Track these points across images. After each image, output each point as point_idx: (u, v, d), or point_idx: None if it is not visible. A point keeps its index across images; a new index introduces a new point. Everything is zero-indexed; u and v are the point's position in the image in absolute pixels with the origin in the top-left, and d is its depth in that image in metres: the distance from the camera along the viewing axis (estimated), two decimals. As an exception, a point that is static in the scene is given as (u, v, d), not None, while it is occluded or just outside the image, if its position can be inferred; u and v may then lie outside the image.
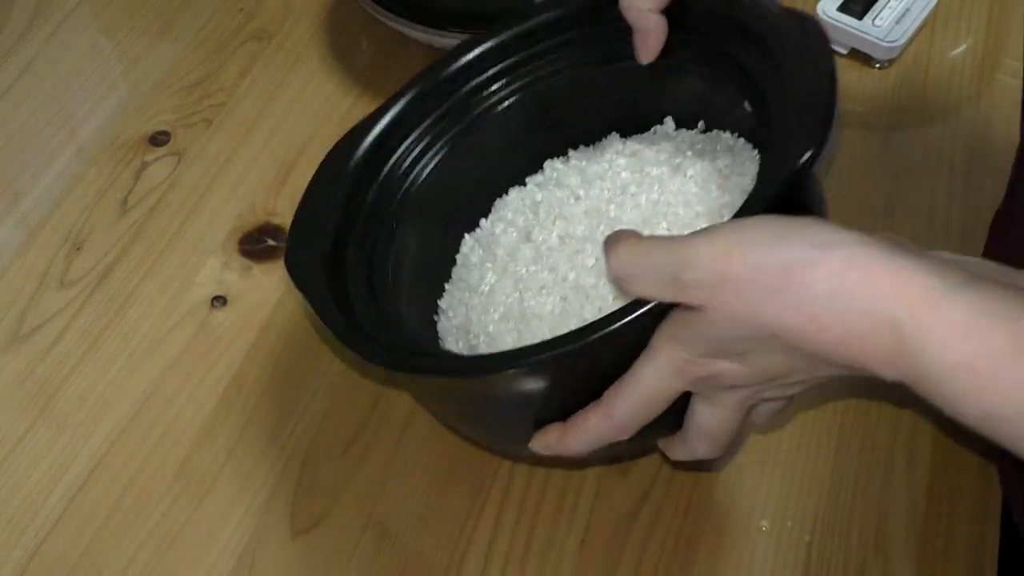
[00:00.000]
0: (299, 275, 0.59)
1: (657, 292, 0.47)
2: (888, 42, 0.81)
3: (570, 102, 0.67)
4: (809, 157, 0.50)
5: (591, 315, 0.58)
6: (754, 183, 0.56)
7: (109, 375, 0.68)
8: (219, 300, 0.72)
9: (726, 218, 0.58)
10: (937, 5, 0.84)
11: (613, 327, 0.49)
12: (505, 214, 0.67)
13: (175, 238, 0.74)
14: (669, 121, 0.66)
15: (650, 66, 0.63)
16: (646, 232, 0.54)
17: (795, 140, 0.51)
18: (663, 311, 0.49)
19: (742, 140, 0.63)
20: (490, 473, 0.64)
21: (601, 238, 0.58)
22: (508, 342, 0.60)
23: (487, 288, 0.63)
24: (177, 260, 0.73)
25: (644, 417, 0.51)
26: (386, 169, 0.65)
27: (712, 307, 0.45)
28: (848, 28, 0.82)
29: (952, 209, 0.75)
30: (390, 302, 0.61)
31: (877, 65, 0.83)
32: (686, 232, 0.50)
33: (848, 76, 0.83)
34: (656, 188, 0.62)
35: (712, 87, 0.63)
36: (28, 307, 0.71)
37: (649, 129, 0.67)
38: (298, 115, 0.81)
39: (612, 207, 0.62)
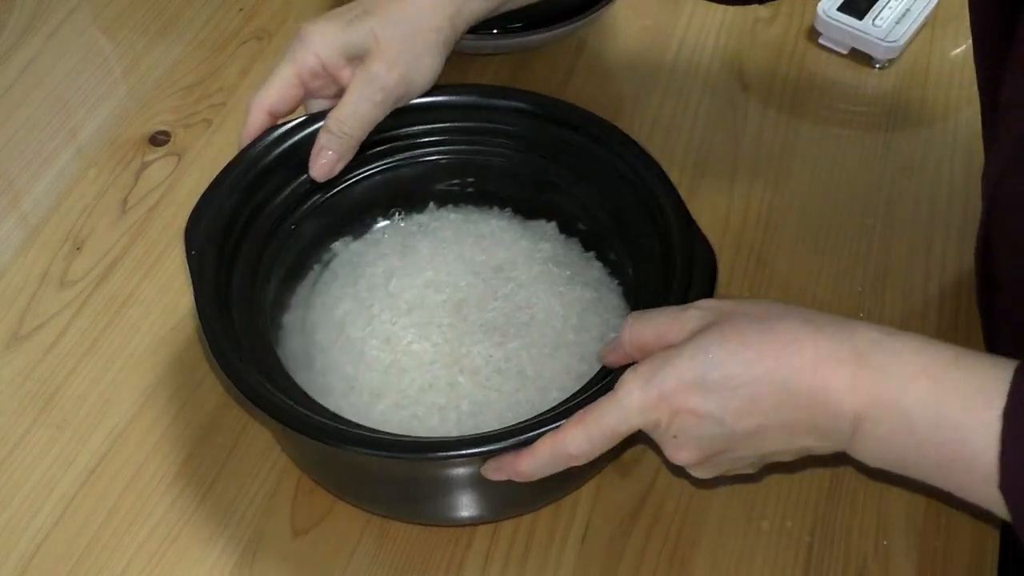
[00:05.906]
0: (193, 247, 0.61)
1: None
2: (888, 42, 0.81)
3: (499, 170, 0.68)
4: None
5: (412, 390, 0.61)
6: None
7: (109, 375, 0.68)
8: (219, 300, 0.71)
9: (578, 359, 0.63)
10: (937, 5, 0.84)
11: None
12: (381, 247, 0.68)
13: (175, 238, 0.74)
14: (554, 225, 0.69)
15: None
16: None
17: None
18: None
19: (616, 281, 0.66)
20: (490, 473, 0.64)
21: (451, 316, 0.63)
22: (342, 374, 0.62)
23: (341, 314, 0.65)
24: (177, 260, 0.73)
25: (602, 449, 0.52)
26: (302, 176, 0.65)
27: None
28: (848, 28, 0.82)
29: (952, 209, 0.75)
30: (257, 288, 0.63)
31: (877, 65, 0.83)
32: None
33: (848, 76, 0.83)
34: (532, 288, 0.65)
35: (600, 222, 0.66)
36: (28, 307, 0.71)
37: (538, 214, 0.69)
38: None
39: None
